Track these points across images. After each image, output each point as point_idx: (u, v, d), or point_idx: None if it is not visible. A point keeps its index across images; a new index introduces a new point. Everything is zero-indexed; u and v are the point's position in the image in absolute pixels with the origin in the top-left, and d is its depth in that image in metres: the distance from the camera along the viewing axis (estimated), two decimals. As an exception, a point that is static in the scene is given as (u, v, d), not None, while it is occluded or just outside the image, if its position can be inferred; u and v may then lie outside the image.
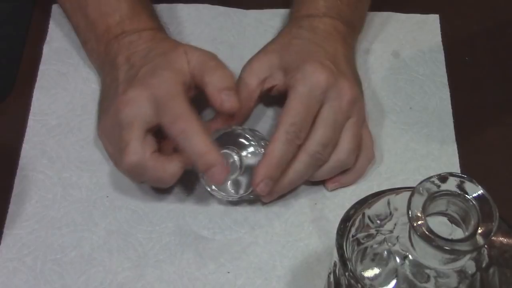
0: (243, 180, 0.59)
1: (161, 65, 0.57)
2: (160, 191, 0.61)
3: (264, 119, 0.65)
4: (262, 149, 0.58)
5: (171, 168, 0.56)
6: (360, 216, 0.46)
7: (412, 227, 0.40)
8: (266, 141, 0.59)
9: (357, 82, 0.62)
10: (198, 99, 0.59)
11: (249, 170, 0.58)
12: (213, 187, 0.59)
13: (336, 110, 0.58)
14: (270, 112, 0.66)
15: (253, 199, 0.60)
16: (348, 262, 0.44)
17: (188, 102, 0.56)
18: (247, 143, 0.59)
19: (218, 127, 0.60)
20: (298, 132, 0.57)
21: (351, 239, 0.45)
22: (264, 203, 0.60)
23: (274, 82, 0.61)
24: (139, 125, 0.56)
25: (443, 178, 0.42)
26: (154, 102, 0.56)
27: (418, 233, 0.40)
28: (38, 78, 0.67)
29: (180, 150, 0.56)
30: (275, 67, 0.61)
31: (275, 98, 0.64)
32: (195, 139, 0.55)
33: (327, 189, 0.62)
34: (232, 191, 0.59)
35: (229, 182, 0.59)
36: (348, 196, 0.61)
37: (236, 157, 0.59)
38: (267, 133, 0.64)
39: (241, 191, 0.59)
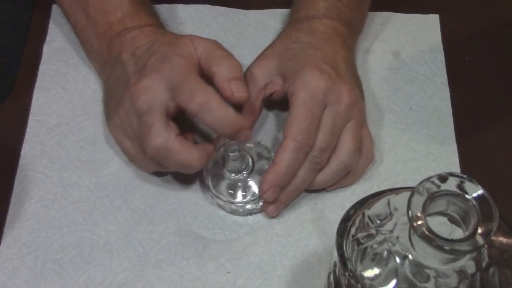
0: (251, 187, 0.59)
1: (170, 52, 0.57)
2: (160, 191, 0.61)
3: (268, 121, 0.65)
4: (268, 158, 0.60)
5: (197, 152, 0.56)
6: (360, 216, 0.46)
7: (412, 227, 0.40)
8: (271, 152, 0.60)
9: (356, 84, 0.62)
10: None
11: (255, 179, 0.59)
12: (220, 195, 0.59)
13: (334, 114, 0.58)
14: (271, 115, 0.66)
15: (253, 213, 0.60)
16: (348, 262, 0.44)
17: (202, 79, 0.56)
18: (256, 152, 0.60)
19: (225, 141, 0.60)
20: (307, 139, 0.57)
21: (351, 239, 0.45)
22: (264, 203, 0.60)
23: (274, 88, 0.61)
24: (159, 110, 0.55)
25: (443, 178, 0.42)
26: (169, 86, 0.55)
27: (418, 233, 0.40)
28: (38, 78, 0.67)
29: (204, 123, 0.55)
30: (274, 72, 0.61)
31: (275, 102, 0.64)
32: (217, 109, 0.54)
33: (326, 189, 0.62)
34: (240, 197, 0.59)
35: (239, 188, 0.59)
36: (348, 196, 0.61)
37: (249, 159, 0.59)
38: (270, 138, 0.64)
39: (249, 196, 0.59)
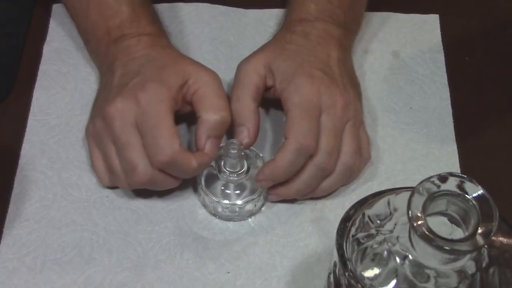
0: (246, 188, 0.59)
1: (153, 78, 0.57)
2: (160, 191, 0.61)
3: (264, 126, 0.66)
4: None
5: (175, 181, 0.58)
6: (360, 216, 0.46)
7: (412, 227, 0.40)
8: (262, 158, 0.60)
9: (351, 85, 0.61)
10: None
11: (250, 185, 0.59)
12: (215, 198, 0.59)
13: (332, 117, 0.58)
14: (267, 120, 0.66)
15: (248, 215, 0.60)
16: (348, 262, 0.44)
17: (173, 123, 0.56)
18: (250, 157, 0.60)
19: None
20: (309, 141, 0.56)
21: (351, 239, 0.45)
22: (263, 204, 0.60)
23: (270, 83, 0.61)
24: (135, 141, 0.55)
25: (443, 178, 0.42)
26: (139, 122, 0.55)
27: (418, 233, 0.40)
28: (38, 78, 0.67)
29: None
30: (268, 68, 0.60)
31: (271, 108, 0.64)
32: (182, 166, 0.55)
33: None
34: (239, 201, 0.59)
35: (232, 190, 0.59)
36: (348, 196, 0.61)
37: (245, 163, 0.59)
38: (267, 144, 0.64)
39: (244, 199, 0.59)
